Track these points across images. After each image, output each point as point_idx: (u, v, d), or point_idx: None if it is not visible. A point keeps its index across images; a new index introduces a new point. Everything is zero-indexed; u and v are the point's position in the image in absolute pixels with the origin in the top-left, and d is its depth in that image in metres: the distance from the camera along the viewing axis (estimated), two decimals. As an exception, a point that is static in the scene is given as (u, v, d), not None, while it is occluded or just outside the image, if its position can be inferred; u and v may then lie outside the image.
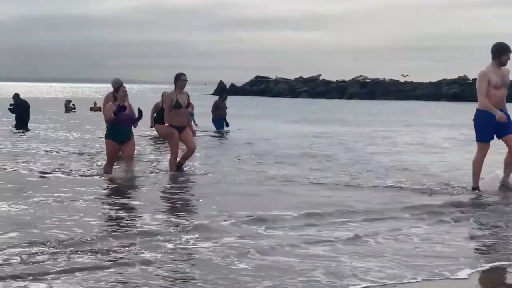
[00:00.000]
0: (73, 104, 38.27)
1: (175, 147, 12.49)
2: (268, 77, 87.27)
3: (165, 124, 12.37)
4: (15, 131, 22.47)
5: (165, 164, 13.15)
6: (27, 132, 21.96)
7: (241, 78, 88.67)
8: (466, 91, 70.94)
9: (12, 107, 24.22)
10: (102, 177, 11.74)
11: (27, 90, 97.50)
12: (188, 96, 12.71)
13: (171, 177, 12.05)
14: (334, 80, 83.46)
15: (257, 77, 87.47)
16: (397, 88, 79.26)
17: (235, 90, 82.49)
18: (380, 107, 53.57)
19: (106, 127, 12.25)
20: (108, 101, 12.41)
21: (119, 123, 11.68)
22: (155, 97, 43.57)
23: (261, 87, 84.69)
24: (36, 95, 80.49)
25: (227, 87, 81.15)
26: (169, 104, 12.31)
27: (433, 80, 79.10)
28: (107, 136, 11.96)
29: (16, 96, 24.45)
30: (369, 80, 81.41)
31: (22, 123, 23.56)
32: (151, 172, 12.48)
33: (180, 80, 12.37)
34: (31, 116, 24.87)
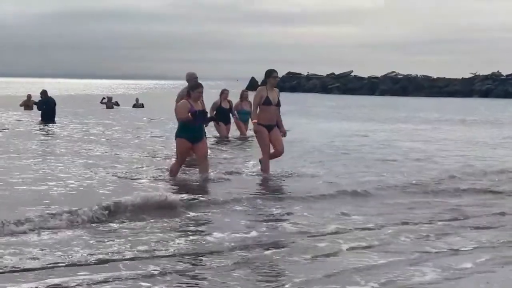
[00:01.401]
0: (116, 101, 38.86)
1: (266, 146, 11.95)
2: (300, 74, 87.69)
3: (253, 121, 12.03)
4: (42, 125, 23.17)
5: (237, 166, 12.90)
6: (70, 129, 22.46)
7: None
8: (499, 87, 69.84)
9: (39, 104, 25.33)
10: (171, 181, 11.12)
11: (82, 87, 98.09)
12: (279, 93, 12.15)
13: (262, 179, 11.61)
14: (366, 76, 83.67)
15: (289, 73, 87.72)
16: (430, 84, 79.32)
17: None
18: (414, 103, 53.64)
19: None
20: (182, 98, 11.82)
21: (193, 121, 11.20)
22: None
23: (293, 83, 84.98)
24: (75, 92, 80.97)
25: (259, 83, 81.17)
26: (258, 101, 11.89)
27: (465, 76, 79.14)
28: (178, 135, 11.39)
29: (44, 93, 25.18)
30: (401, 76, 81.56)
31: (47, 118, 24.44)
32: (227, 173, 11.96)
33: (271, 76, 11.90)
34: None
